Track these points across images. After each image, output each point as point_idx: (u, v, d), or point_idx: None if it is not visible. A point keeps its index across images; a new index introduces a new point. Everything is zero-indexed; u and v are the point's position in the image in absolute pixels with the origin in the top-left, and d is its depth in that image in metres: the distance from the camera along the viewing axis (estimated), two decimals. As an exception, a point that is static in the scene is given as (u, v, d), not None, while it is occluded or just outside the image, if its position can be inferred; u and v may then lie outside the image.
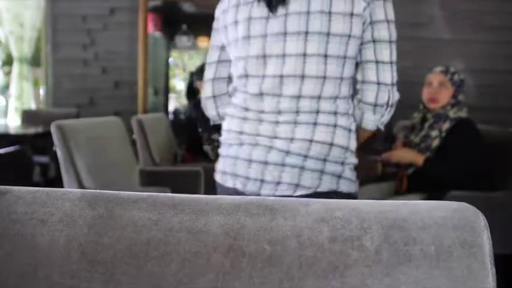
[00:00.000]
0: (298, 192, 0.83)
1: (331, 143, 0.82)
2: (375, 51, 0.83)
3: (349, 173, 0.86)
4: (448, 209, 0.40)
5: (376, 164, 1.74)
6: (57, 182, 1.91)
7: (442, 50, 3.12)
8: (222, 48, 0.96)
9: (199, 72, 2.48)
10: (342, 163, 0.85)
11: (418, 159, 1.66)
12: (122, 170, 1.79)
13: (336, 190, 0.84)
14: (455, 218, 0.39)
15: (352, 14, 0.80)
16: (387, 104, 0.85)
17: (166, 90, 4.82)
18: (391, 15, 0.84)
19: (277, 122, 0.84)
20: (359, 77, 0.87)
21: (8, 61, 4.06)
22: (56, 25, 3.46)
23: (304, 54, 0.81)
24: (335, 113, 0.83)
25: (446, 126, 1.66)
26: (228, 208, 0.43)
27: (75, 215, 0.43)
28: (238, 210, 0.42)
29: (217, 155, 2.65)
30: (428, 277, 0.37)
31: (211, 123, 1.04)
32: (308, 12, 0.80)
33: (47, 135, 1.75)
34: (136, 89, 3.43)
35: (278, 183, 0.83)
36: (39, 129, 2.75)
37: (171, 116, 4.55)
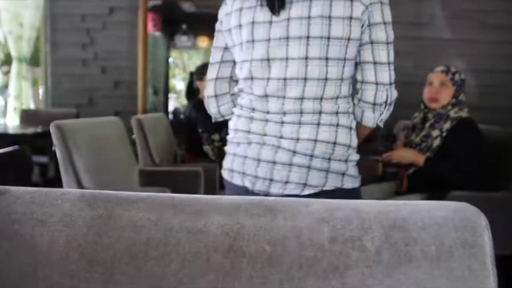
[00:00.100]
0: (306, 191, 0.87)
1: (335, 142, 0.87)
2: (373, 53, 0.87)
3: (352, 169, 0.90)
4: (448, 209, 0.40)
5: (377, 164, 1.74)
6: (56, 182, 1.91)
7: (443, 49, 3.12)
8: (225, 49, 0.99)
9: (199, 72, 2.48)
10: (346, 160, 0.89)
11: (419, 159, 1.66)
12: (121, 170, 1.79)
13: (341, 187, 0.88)
14: (456, 218, 0.39)
15: (351, 18, 0.83)
16: (386, 102, 0.89)
17: (166, 90, 4.82)
18: (388, 18, 0.87)
19: (282, 123, 0.88)
20: (358, 77, 0.90)
21: (7, 61, 4.06)
22: (55, 24, 3.46)
23: (306, 58, 0.85)
24: (336, 113, 0.87)
25: (447, 126, 1.66)
26: (228, 208, 0.42)
27: (74, 215, 0.43)
28: (238, 211, 0.42)
29: (218, 155, 2.61)
30: (429, 277, 0.37)
31: (213, 120, 1.07)
32: (309, 17, 0.84)
33: (46, 135, 1.75)
34: (136, 88, 3.43)
35: (286, 182, 0.87)
36: (38, 129, 2.74)
37: (170, 116, 4.54)
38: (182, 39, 4.60)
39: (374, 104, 0.89)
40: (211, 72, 1.01)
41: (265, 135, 0.89)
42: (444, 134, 1.66)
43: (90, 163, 1.54)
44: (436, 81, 1.72)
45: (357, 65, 0.89)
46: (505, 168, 1.75)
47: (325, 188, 0.87)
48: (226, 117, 1.04)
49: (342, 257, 0.38)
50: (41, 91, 3.58)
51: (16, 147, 1.97)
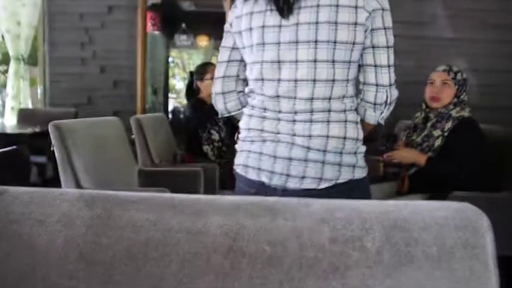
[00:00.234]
0: (322, 185, 0.93)
1: (345, 137, 0.94)
2: (374, 56, 0.94)
3: (361, 161, 0.98)
4: (450, 210, 0.40)
5: (378, 164, 1.74)
6: (54, 182, 1.90)
7: (445, 49, 3.12)
8: (232, 49, 1.05)
9: (199, 71, 2.47)
10: (355, 153, 0.96)
11: (421, 159, 1.66)
12: (120, 170, 1.78)
13: (353, 179, 0.95)
14: (457, 218, 0.39)
15: (356, 24, 0.90)
16: (386, 102, 0.96)
17: (166, 89, 4.81)
18: (389, 23, 0.94)
19: (294, 121, 0.94)
20: (361, 78, 0.97)
21: (5, 60, 4.05)
22: (53, 23, 3.45)
23: (315, 61, 0.91)
24: (344, 111, 0.94)
25: (448, 125, 1.66)
26: (228, 208, 0.42)
27: (73, 215, 0.43)
28: (238, 211, 0.42)
29: (218, 156, 2.60)
30: (430, 278, 0.37)
31: (220, 115, 1.13)
32: (317, 23, 0.90)
33: (45, 135, 1.74)
34: (135, 88, 3.42)
35: (303, 177, 0.93)
36: (37, 129, 2.73)
37: (170, 116, 4.53)
38: (181, 38, 4.59)
39: (375, 104, 0.96)
40: (219, 71, 1.07)
41: (278, 133, 0.95)
42: (446, 134, 1.65)
43: (89, 163, 1.53)
44: (437, 80, 1.72)
45: (360, 67, 0.96)
46: (507, 168, 1.74)
47: (339, 181, 0.93)
48: (232, 113, 1.10)
49: (342, 257, 0.38)
50: (39, 90, 3.57)
51: (14, 147, 1.97)
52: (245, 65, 1.03)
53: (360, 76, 0.97)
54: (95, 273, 0.40)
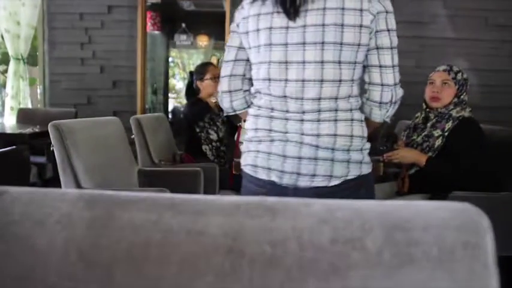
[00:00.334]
0: (332, 183, 0.96)
1: (351, 135, 0.97)
2: (379, 57, 0.97)
3: (366, 157, 1.02)
4: (450, 210, 0.40)
5: (378, 164, 1.74)
6: (54, 182, 1.90)
7: (445, 48, 3.12)
8: (239, 48, 1.08)
9: (199, 71, 2.47)
10: (361, 150, 0.99)
11: (421, 159, 1.66)
12: (120, 170, 1.78)
13: (360, 174, 0.99)
14: (458, 218, 0.39)
15: (361, 26, 0.93)
16: (391, 101, 1.00)
17: (166, 89, 4.81)
18: (392, 25, 0.97)
19: (302, 120, 0.97)
20: (366, 79, 1.01)
21: (4, 60, 4.04)
22: (52, 23, 3.45)
23: (322, 62, 0.94)
24: (350, 110, 0.98)
25: (449, 125, 1.66)
26: (228, 209, 0.42)
27: (72, 215, 0.43)
28: (238, 211, 0.42)
29: (216, 155, 2.60)
30: (431, 279, 0.37)
31: (225, 113, 1.15)
32: (323, 25, 0.93)
33: (44, 135, 1.74)
34: (135, 88, 3.42)
35: (313, 175, 0.96)
36: (36, 129, 2.73)
37: (170, 116, 4.53)
38: (181, 38, 4.59)
39: (380, 103, 1.00)
40: (226, 69, 1.10)
41: (287, 132, 0.98)
42: (446, 134, 1.65)
43: (88, 163, 1.53)
44: (438, 80, 1.72)
45: (365, 68, 0.99)
46: (508, 168, 1.74)
47: (348, 178, 0.97)
48: (237, 112, 1.12)
49: (342, 258, 0.38)
50: (38, 90, 3.57)
51: (14, 147, 1.97)
52: (251, 65, 1.05)
53: (366, 76, 1.00)
54: (94, 274, 0.40)
